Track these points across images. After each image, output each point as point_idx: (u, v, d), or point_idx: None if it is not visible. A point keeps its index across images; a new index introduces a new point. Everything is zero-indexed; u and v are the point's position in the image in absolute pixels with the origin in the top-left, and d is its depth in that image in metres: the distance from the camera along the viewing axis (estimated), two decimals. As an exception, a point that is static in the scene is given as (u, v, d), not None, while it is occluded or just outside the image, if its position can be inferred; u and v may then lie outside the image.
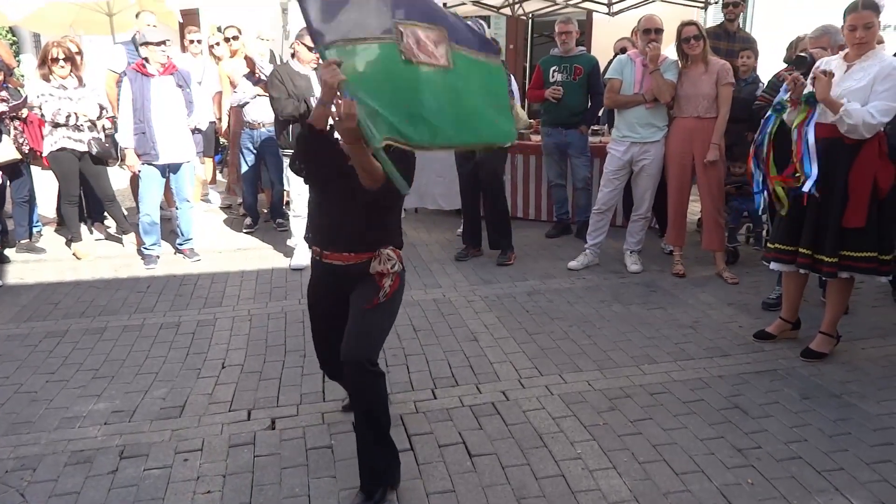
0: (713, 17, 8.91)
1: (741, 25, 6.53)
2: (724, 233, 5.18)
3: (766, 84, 5.24)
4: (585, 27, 9.60)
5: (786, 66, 4.98)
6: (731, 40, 5.97)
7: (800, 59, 4.03)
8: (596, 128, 6.58)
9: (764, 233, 5.44)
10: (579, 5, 8.81)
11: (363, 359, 2.48)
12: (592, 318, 4.37)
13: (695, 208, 6.03)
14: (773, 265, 3.84)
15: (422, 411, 3.23)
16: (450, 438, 2.99)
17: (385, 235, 2.61)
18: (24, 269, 5.44)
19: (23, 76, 8.94)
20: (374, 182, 2.38)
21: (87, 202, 6.21)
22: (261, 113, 6.09)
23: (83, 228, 6.04)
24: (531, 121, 6.84)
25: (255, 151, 6.28)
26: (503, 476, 2.72)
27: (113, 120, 5.55)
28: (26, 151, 5.45)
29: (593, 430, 3.05)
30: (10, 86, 5.65)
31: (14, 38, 12.73)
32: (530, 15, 9.67)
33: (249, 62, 6.23)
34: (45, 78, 5.17)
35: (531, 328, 4.21)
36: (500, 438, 2.99)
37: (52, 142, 5.24)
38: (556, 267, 5.41)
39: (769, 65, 6.49)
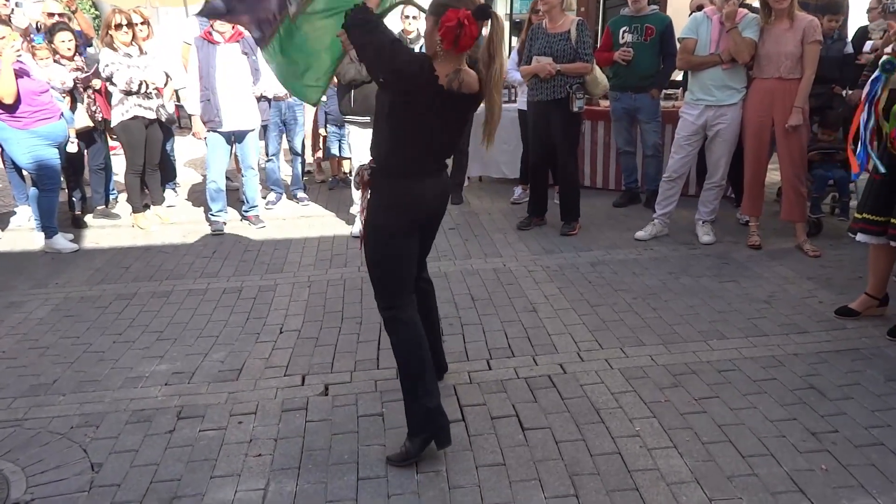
0: (801, -29, 8.31)
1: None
2: (805, 202, 4.85)
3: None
4: (661, -14, 9.12)
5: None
6: (822, -6, 5.53)
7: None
8: (669, 92, 6.26)
9: (852, 203, 5.07)
10: (655, -37, 8.36)
11: (375, 298, 2.68)
12: (659, 290, 4.17)
13: (774, 177, 5.68)
14: (860, 237, 3.57)
15: (476, 382, 3.16)
16: (503, 411, 2.91)
17: (374, 150, 2.61)
18: (99, 233, 5.65)
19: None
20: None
21: (161, 170, 6.35)
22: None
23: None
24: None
25: (282, 125, 6.25)
26: (556, 451, 2.63)
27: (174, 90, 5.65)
28: (99, 120, 5.61)
29: (654, 406, 2.91)
30: (87, 55, 5.82)
31: (97, 13, 13.19)
32: (603, -25, 9.29)
33: None
34: (110, 45, 5.27)
35: (593, 300, 4.06)
36: (556, 412, 2.89)
37: (124, 110, 5.34)
38: (622, 237, 5.21)
39: (863, 20, 6.04)
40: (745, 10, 4.69)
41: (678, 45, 5.11)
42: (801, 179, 4.77)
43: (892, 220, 3.38)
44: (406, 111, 2.47)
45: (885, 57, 3.45)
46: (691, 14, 5.32)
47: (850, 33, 6.11)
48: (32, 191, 5.25)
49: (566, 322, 3.77)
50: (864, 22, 6.20)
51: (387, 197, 2.57)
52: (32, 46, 5.41)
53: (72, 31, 5.52)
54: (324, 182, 7.25)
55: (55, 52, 5.37)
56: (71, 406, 3.05)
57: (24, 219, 5.84)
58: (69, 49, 5.40)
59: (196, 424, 2.88)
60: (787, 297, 4.03)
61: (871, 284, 3.70)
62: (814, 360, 3.29)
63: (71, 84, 5.38)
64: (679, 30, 5.18)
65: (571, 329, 3.68)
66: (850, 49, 5.44)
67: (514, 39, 11.02)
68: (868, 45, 5.54)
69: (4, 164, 5.81)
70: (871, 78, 3.45)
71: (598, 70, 5.23)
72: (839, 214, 5.45)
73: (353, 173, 2.65)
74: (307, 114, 6.73)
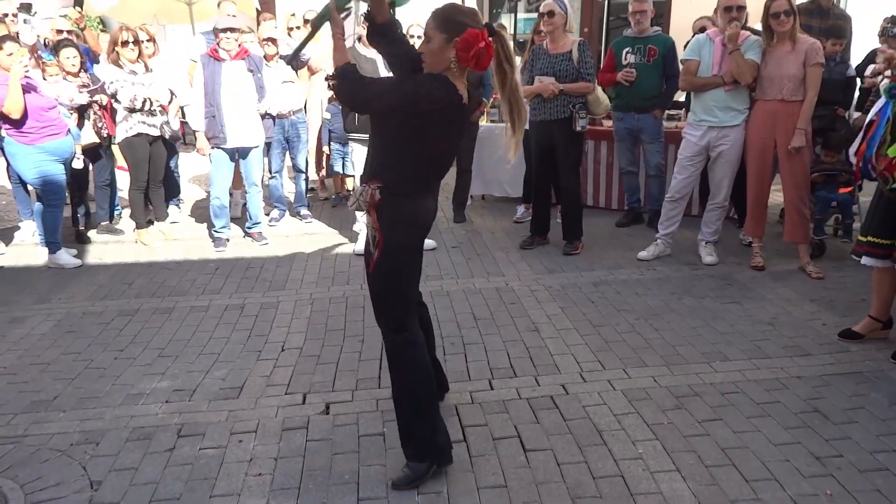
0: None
1: (836, 2, 6.10)
2: (808, 224, 4.85)
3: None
4: (664, 7, 9.23)
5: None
6: (825, 17, 5.58)
7: None
8: (671, 112, 6.29)
9: (855, 225, 5.07)
10: (658, -15, 8.45)
11: (378, 322, 2.63)
12: (661, 311, 4.16)
13: (777, 198, 5.68)
14: (864, 260, 3.56)
15: (477, 402, 3.14)
16: (505, 431, 2.90)
17: (379, 170, 2.53)
18: (103, 249, 5.66)
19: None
20: None
21: (164, 186, 6.37)
22: (286, 102, 6.06)
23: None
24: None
25: (286, 142, 6.26)
26: (558, 473, 2.61)
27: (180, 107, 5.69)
28: (105, 136, 5.64)
29: (657, 429, 2.89)
30: (94, 73, 5.86)
31: (105, 29, 13.33)
32: (607, -4, 9.38)
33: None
34: (115, 63, 5.32)
35: (596, 320, 4.05)
36: (557, 434, 2.87)
37: (128, 127, 5.37)
38: (625, 257, 5.20)
39: (866, 43, 6.07)
40: (748, 33, 4.72)
41: (681, 67, 5.15)
42: (805, 201, 4.78)
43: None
44: (425, 132, 2.44)
45: (885, 82, 3.46)
46: (694, 36, 5.36)
47: (854, 56, 6.14)
48: (37, 206, 5.26)
49: (568, 342, 3.76)
50: (872, 45, 6.22)
51: (393, 215, 2.50)
52: (42, 63, 5.46)
53: (77, 47, 5.57)
54: (327, 199, 7.26)
55: (62, 68, 5.42)
56: (71, 423, 3.03)
57: (28, 234, 5.85)
58: (74, 65, 5.44)
59: (196, 443, 2.87)
60: (790, 319, 4.02)
61: (874, 307, 3.69)
62: (817, 383, 3.27)
63: (81, 101, 5.41)
64: (682, 51, 5.22)
65: (574, 349, 3.67)
66: (852, 72, 5.48)
67: (518, 60, 11.10)
68: (870, 69, 5.57)
69: (10, 179, 5.84)
70: (881, 106, 3.44)
71: (599, 90, 5.29)
72: (842, 236, 5.44)
73: (357, 194, 2.60)
74: (311, 131, 6.77)
